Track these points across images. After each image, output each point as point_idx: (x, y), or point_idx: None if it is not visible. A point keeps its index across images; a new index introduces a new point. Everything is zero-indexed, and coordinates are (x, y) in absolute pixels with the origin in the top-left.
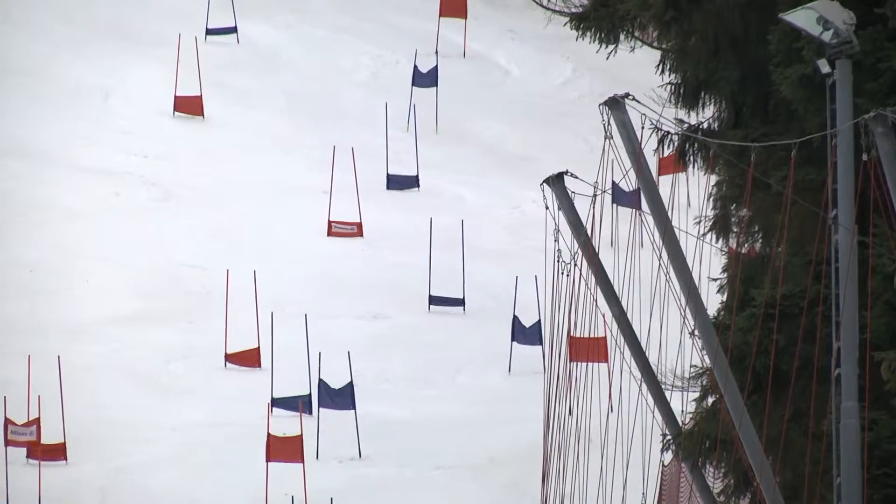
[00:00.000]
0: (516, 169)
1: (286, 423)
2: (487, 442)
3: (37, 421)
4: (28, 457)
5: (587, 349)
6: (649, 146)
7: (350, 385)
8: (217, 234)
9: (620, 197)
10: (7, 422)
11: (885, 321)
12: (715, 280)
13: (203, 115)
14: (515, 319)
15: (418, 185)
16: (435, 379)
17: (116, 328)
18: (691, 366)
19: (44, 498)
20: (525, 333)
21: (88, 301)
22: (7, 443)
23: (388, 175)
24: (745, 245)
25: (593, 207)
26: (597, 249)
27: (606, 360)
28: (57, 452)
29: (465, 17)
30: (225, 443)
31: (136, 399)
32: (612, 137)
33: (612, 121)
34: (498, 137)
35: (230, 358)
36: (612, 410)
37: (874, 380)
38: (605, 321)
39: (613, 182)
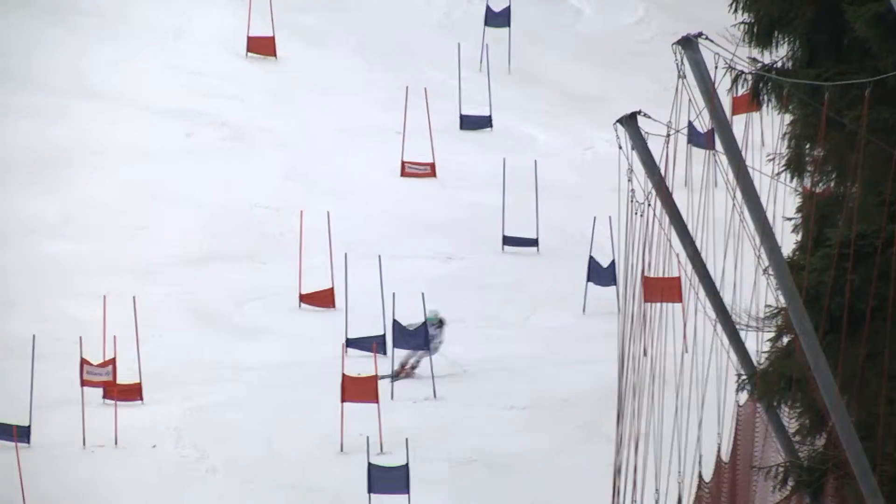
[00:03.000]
0: (589, 109)
1: (360, 364)
2: (561, 382)
3: (112, 361)
4: (104, 397)
5: (661, 289)
6: (723, 86)
7: (424, 325)
8: (290, 174)
9: (694, 137)
10: (83, 362)
11: None
12: (789, 220)
13: (275, 56)
14: (591, 260)
15: (491, 126)
16: (508, 320)
17: (190, 269)
18: (766, 306)
19: (120, 438)
20: (600, 274)
21: (162, 241)
22: (83, 383)
23: (460, 115)
24: (820, 184)
25: (667, 147)
26: (670, 189)
27: (680, 301)
28: (133, 393)
29: None
30: (299, 383)
31: (211, 339)
32: (685, 77)
33: (685, 60)
34: (570, 78)
35: (304, 299)
36: (686, 351)
37: None
38: (678, 261)
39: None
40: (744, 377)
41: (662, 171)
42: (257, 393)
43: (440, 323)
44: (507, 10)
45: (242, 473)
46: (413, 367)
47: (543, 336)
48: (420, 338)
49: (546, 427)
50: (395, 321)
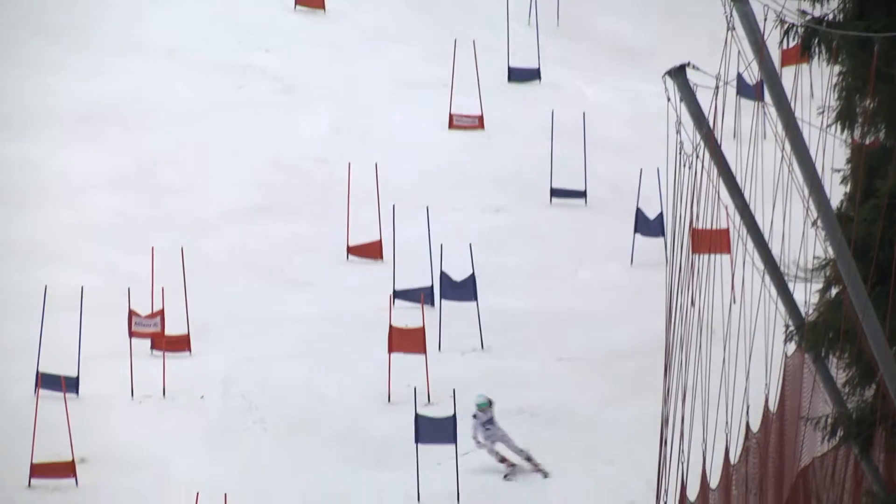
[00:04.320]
0: (637, 62)
1: (408, 315)
2: (609, 334)
3: (161, 313)
4: (152, 348)
5: (709, 240)
6: (772, 38)
7: (472, 277)
8: (338, 127)
9: (743, 89)
10: (131, 314)
11: None
12: (838, 171)
13: (324, 9)
14: (639, 211)
15: (539, 78)
16: (556, 271)
17: (239, 221)
18: (814, 257)
19: (168, 389)
20: (648, 225)
21: (211, 194)
22: (131, 334)
23: (509, 68)
24: (869, 136)
25: (715, 99)
26: (719, 141)
27: (729, 252)
28: (181, 344)
29: None
30: (347, 335)
31: (259, 292)
32: (734, 29)
33: (734, 13)
34: (618, 31)
35: (352, 250)
36: (734, 302)
37: None
38: (727, 213)
39: (738, 74)
40: (792, 328)
41: (711, 124)
42: (305, 345)
43: (490, 404)
44: None
45: (290, 425)
46: (519, 452)
47: (591, 288)
48: (468, 289)
49: (594, 379)
50: (442, 273)
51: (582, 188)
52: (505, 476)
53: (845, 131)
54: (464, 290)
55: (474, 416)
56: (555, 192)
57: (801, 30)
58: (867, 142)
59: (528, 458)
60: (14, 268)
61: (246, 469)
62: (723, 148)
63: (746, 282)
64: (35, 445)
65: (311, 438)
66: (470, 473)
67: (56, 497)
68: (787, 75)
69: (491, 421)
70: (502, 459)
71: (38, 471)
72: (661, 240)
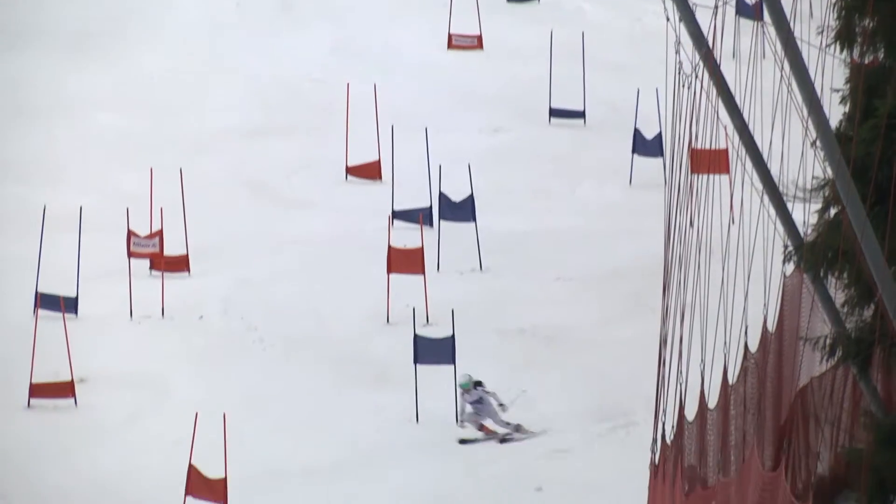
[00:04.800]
0: None
1: (407, 236)
2: (608, 254)
3: (160, 233)
4: (151, 268)
5: (708, 161)
6: None
7: (470, 198)
8: (337, 47)
9: (742, 8)
10: (130, 234)
11: None
12: (837, 91)
13: None
14: (637, 132)
15: None
16: (555, 192)
17: (237, 141)
18: (813, 177)
19: (167, 309)
20: (646, 145)
21: (210, 114)
22: (130, 254)
23: None
24: (868, 55)
25: (715, 19)
26: (718, 61)
27: (728, 172)
28: (180, 264)
29: None
30: (346, 256)
31: (258, 212)
32: None
33: None
34: None
35: (351, 171)
36: (733, 222)
37: None
38: (726, 133)
39: None
40: (790, 248)
41: (710, 44)
42: (304, 265)
43: (476, 385)
44: None
45: (290, 345)
46: (508, 424)
47: (590, 208)
48: (467, 210)
49: (593, 298)
50: (441, 193)
51: (581, 108)
52: (501, 440)
53: (844, 51)
54: (462, 210)
55: (462, 397)
56: (553, 113)
57: None
58: (866, 61)
59: (518, 429)
60: (13, 187)
61: (245, 389)
62: (722, 68)
63: (745, 202)
64: (34, 365)
65: (310, 359)
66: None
67: (55, 417)
68: None
69: (480, 401)
70: (490, 432)
71: (38, 391)
72: (659, 160)
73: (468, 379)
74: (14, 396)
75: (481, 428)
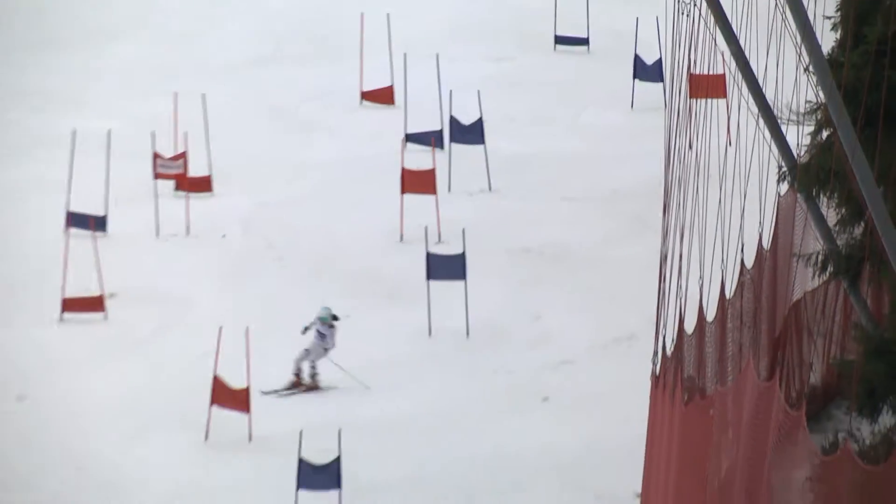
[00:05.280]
0: None
1: (419, 158)
2: (611, 175)
3: (183, 155)
4: (176, 189)
5: (706, 86)
6: None
7: (479, 122)
8: None
9: None
10: (155, 156)
11: None
12: (829, 18)
13: None
14: (637, 58)
15: None
16: (560, 116)
17: (256, 68)
18: (806, 101)
19: (191, 227)
20: (646, 70)
21: (229, 42)
22: (156, 176)
23: None
24: None
25: None
26: None
27: (725, 96)
28: (203, 185)
29: None
30: (361, 177)
31: (276, 136)
32: None
33: None
34: None
35: (366, 96)
36: (730, 144)
37: None
38: (723, 59)
39: None
40: (784, 169)
41: None
42: (321, 187)
43: (333, 319)
44: None
45: (308, 263)
46: (313, 377)
47: (593, 132)
48: (476, 133)
49: (597, 218)
50: (451, 117)
51: (584, 35)
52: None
53: None
54: (472, 133)
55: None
56: (558, 40)
57: None
58: None
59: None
60: (41, 114)
61: (265, 304)
62: None
63: (741, 125)
64: (66, 281)
65: (329, 275)
66: (476, 311)
67: (86, 330)
68: None
69: (323, 337)
70: (298, 384)
71: (69, 305)
72: (659, 85)
73: (328, 312)
74: (47, 310)
75: (296, 377)
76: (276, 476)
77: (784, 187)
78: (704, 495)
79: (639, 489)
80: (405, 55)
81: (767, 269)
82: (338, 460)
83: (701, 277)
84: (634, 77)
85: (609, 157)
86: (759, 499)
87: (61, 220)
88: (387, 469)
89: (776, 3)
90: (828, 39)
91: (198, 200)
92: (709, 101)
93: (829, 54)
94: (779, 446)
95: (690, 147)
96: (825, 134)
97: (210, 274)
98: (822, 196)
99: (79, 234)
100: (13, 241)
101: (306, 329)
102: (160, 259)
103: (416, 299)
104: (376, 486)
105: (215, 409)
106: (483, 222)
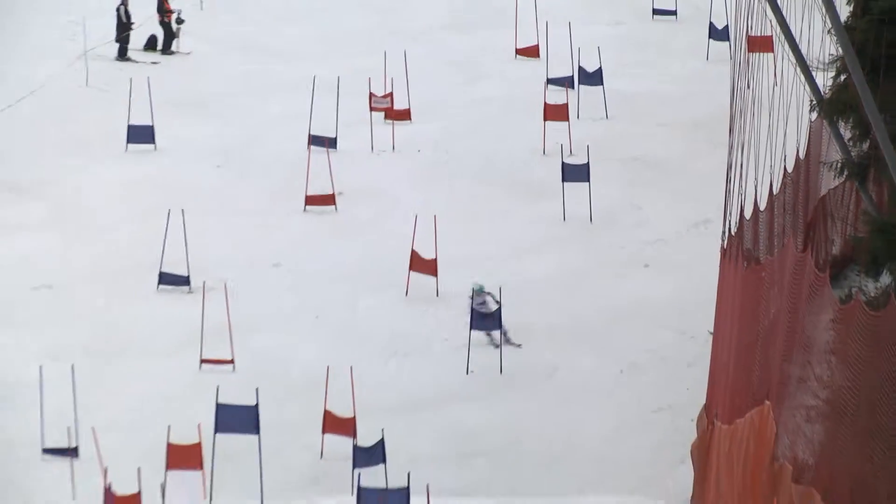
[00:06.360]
0: None
1: (557, 96)
2: (692, 108)
3: (390, 95)
4: (385, 118)
5: (759, 43)
6: None
7: (599, 69)
8: None
9: None
10: (371, 95)
11: None
12: None
13: None
14: (711, 24)
15: None
16: (656, 65)
17: (441, 32)
18: (829, 54)
19: (396, 145)
20: (718, 33)
21: (422, 14)
22: (371, 109)
23: None
24: None
25: None
26: None
27: (772, 51)
28: (404, 115)
29: None
30: (515, 110)
31: (454, 81)
32: None
33: None
34: None
35: (518, 52)
36: (776, 84)
37: None
38: (771, 24)
39: None
40: (815, 102)
41: None
42: (486, 117)
43: (482, 292)
44: None
45: (473, 168)
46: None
47: (680, 77)
48: (597, 77)
49: (682, 138)
50: (580, 67)
51: (673, 8)
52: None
53: None
54: (594, 77)
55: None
56: (655, 11)
57: None
58: None
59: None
60: (289, 64)
61: (448, 199)
62: None
63: (784, 71)
64: (308, 183)
65: (490, 180)
66: (597, 203)
67: (322, 218)
68: None
69: (484, 303)
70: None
71: (311, 200)
72: (727, 43)
73: (480, 286)
74: (295, 204)
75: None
76: (455, 321)
77: (814, 115)
78: (757, 333)
79: (711, 329)
80: (547, 22)
81: (802, 172)
82: (499, 309)
83: (755, 179)
84: (709, 37)
85: (690, 95)
86: (796, 335)
87: (305, 140)
88: (536, 316)
89: None
90: (844, 10)
91: (400, 126)
92: (761, 54)
93: (845, 21)
94: (810, 298)
95: (748, 87)
96: (843, 77)
97: (409, 178)
98: (840, 121)
99: (317, 150)
100: (271, 154)
101: (474, 298)
102: (374, 168)
103: (554, 196)
104: (528, 328)
105: (413, 274)
106: (602, 140)
